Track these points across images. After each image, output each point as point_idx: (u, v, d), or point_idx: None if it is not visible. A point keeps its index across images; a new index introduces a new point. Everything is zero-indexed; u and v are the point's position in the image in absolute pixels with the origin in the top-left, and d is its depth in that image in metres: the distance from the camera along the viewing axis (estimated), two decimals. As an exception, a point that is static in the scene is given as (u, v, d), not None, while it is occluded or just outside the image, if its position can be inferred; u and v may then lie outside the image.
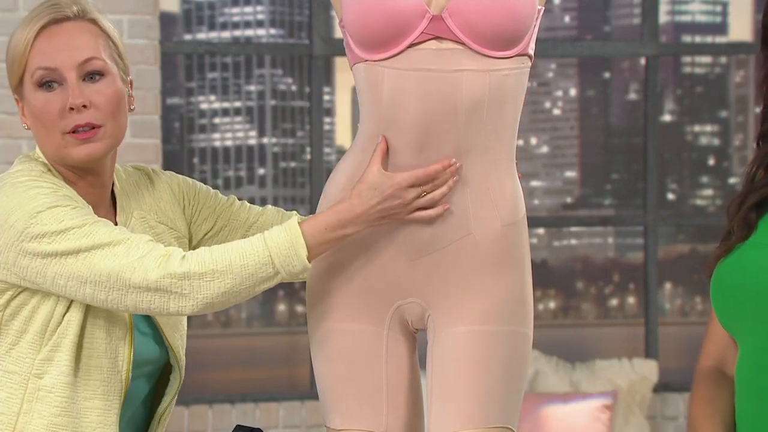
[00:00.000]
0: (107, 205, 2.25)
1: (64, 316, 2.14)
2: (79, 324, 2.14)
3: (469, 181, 2.14)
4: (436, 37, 2.10)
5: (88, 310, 2.16)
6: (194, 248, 2.31)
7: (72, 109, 2.15)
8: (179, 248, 2.12)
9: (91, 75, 2.17)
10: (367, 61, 2.12)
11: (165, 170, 2.45)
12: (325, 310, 2.20)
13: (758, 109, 2.21)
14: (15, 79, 2.19)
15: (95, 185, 2.22)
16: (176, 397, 2.30)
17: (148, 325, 2.25)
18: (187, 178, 2.40)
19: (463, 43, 2.10)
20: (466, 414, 2.16)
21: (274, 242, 2.08)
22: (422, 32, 2.09)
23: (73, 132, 2.15)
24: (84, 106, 2.15)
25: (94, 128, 2.16)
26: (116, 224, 2.25)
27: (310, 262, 2.09)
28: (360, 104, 2.16)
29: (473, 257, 2.17)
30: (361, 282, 2.18)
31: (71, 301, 2.14)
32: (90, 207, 2.15)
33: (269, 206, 2.39)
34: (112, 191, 2.28)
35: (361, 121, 2.18)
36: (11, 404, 2.13)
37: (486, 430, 2.17)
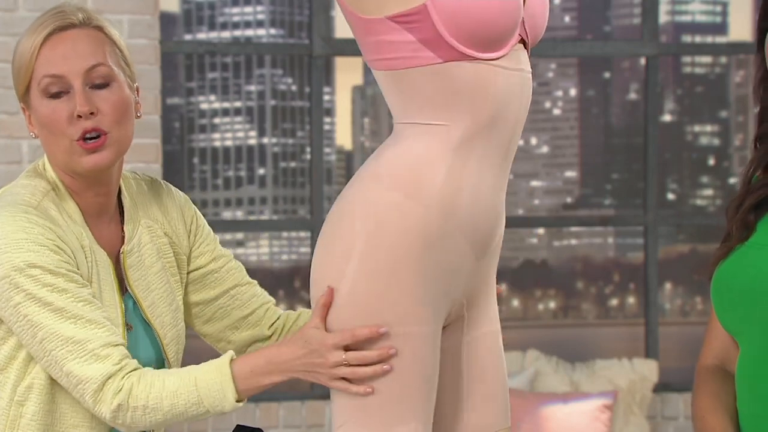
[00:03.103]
0: (112, 213, 2.25)
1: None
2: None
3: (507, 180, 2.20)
4: (520, 38, 2.14)
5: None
6: (191, 272, 2.34)
7: (80, 116, 2.14)
8: (131, 365, 2.13)
9: (98, 82, 2.16)
10: (476, 59, 2.08)
11: (167, 172, 2.45)
12: (398, 312, 2.11)
13: (756, 110, 2.22)
14: (22, 87, 2.18)
15: (100, 194, 2.22)
16: None
17: (144, 329, 2.26)
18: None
19: (524, 44, 2.14)
20: (505, 411, 2.26)
21: (204, 383, 2.11)
22: (519, 32, 2.12)
23: (82, 140, 2.15)
24: (91, 113, 2.15)
25: (101, 135, 2.15)
26: (123, 232, 2.25)
27: (241, 402, 2.12)
28: (449, 103, 2.10)
29: (497, 255, 2.21)
30: (437, 278, 2.12)
31: None
32: (69, 273, 2.14)
33: (268, 298, 2.41)
34: (119, 198, 2.27)
35: (450, 119, 2.11)
36: None
37: (509, 427, 2.28)
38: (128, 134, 2.20)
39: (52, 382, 2.16)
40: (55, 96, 2.15)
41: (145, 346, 2.25)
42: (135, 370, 2.13)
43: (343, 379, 2.08)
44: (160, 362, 2.27)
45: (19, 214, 2.11)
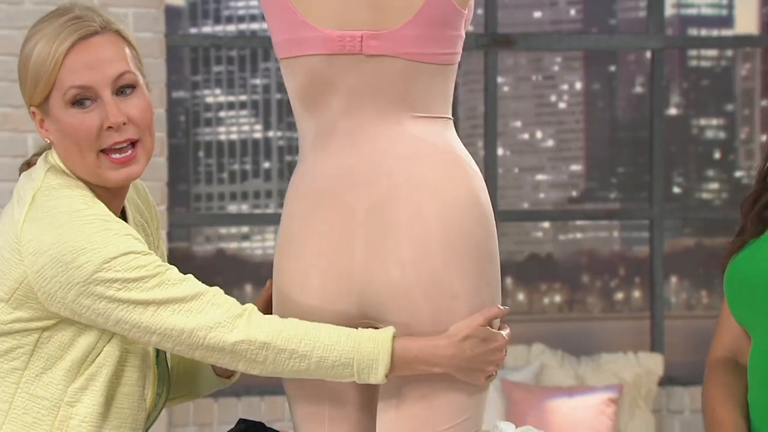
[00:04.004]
0: (119, 212, 2.24)
1: (104, 347, 2.12)
2: (118, 356, 2.13)
3: None
4: None
5: (125, 339, 2.14)
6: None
7: (110, 127, 2.12)
8: (255, 306, 2.10)
9: (125, 90, 2.14)
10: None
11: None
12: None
13: (765, 102, 2.23)
14: (40, 96, 2.13)
15: (122, 197, 2.21)
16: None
17: None
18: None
19: None
20: None
21: (362, 348, 2.08)
22: None
23: (111, 153, 2.12)
24: (123, 123, 2.12)
25: (133, 145, 2.13)
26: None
27: (386, 379, 2.10)
28: (454, 99, 2.18)
29: None
30: None
31: (113, 334, 2.12)
32: (154, 253, 2.11)
33: None
34: None
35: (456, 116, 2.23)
36: (38, 431, 2.10)
37: None
38: (154, 140, 2.18)
39: (110, 384, 2.12)
40: (81, 105, 2.12)
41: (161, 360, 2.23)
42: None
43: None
44: (161, 365, 2.25)
45: (91, 219, 2.07)
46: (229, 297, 2.09)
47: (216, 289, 2.09)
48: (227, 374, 2.33)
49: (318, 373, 2.08)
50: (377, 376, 2.08)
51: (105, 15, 2.16)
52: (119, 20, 2.19)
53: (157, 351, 2.23)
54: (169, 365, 2.29)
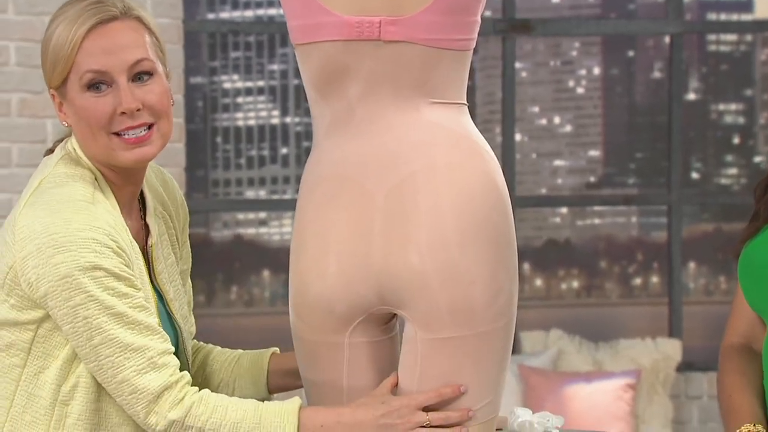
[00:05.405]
0: (135, 203, 2.24)
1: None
2: None
3: None
4: None
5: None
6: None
7: (124, 113, 2.12)
8: (186, 379, 2.10)
9: (141, 76, 2.14)
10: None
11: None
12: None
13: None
14: (58, 79, 2.14)
15: (136, 183, 2.20)
16: None
17: (169, 323, 2.25)
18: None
19: None
20: None
21: (268, 424, 2.07)
22: None
23: (123, 134, 2.12)
24: (137, 110, 2.12)
25: (150, 127, 2.13)
26: (145, 223, 2.24)
27: None
28: (471, 85, 2.21)
29: None
30: None
31: None
32: (129, 276, 2.10)
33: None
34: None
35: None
36: (37, 430, 2.11)
37: None
38: (171, 125, 2.18)
39: (98, 382, 2.12)
40: (96, 89, 2.12)
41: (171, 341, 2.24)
42: (193, 386, 2.10)
43: None
44: (181, 356, 2.26)
45: (82, 211, 2.07)
46: (170, 359, 2.08)
47: (162, 346, 2.08)
48: (275, 392, 2.36)
49: None
50: None
51: (127, 1, 2.16)
52: (141, 7, 2.19)
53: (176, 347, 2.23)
54: (191, 366, 2.28)
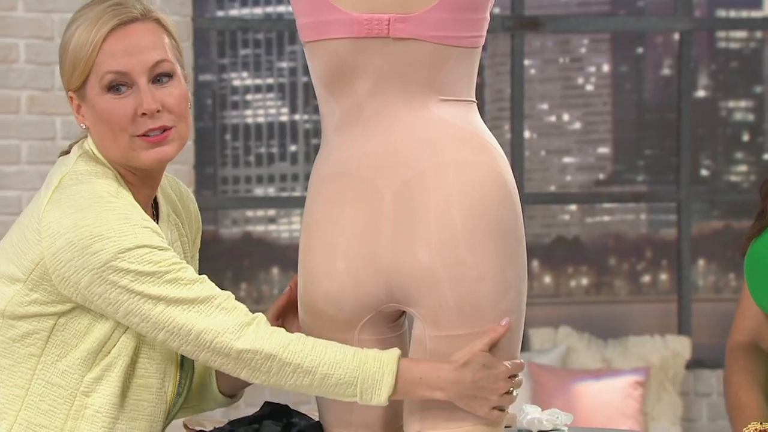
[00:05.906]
0: (150, 205, 2.24)
1: (120, 338, 2.12)
2: (134, 347, 2.12)
3: None
4: None
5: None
6: None
7: (144, 114, 2.12)
8: (264, 316, 2.09)
9: (161, 78, 2.14)
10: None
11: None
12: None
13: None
14: (78, 81, 2.14)
15: (153, 186, 2.20)
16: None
17: None
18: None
19: None
20: None
21: (369, 368, 2.06)
22: None
23: (144, 135, 2.12)
24: (157, 111, 2.12)
25: (166, 130, 2.13)
26: (158, 224, 2.23)
27: (387, 401, 2.07)
28: (480, 82, 2.21)
29: None
30: None
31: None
32: (171, 249, 2.11)
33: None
34: None
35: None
36: (54, 418, 2.11)
37: None
38: (189, 127, 2.18)
39: (125, 375, 2.11)
40: (116, 91, 2.12)
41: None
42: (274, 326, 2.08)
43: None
44: (187, 361, 2.24)
45: (111, 206, 2.07)
46: (239, 303, 2.08)
47: (227, 293, 2.09)
48: (231, 394, 2.32)
49: (321, 390, 2.07)
50: (380, 398, 2.06)
51: (146, 3, 2.17)
52: (160, 9, 2.19)
53: None
54: (195, 371, 2.28)
